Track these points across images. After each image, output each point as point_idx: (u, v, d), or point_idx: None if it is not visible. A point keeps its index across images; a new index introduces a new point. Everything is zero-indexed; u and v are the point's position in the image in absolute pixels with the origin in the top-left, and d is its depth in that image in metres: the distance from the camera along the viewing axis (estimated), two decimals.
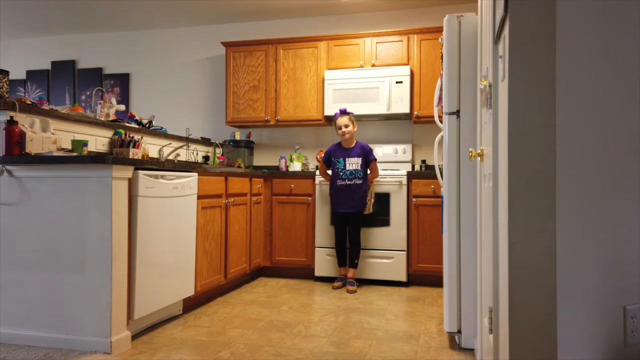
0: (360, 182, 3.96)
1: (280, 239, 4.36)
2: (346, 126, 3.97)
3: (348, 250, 4.06)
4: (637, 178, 1.32)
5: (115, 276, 2.43)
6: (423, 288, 4.02)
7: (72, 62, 5.79)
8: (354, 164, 3.98)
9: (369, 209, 4.02)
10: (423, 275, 4.10)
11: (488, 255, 1.80)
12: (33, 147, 2.66)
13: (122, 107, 3.85)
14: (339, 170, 4.00)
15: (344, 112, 4.03)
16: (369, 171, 4.03)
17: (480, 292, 2.21)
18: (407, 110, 4.35)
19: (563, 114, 1.27)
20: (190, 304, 3.29)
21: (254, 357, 2.41)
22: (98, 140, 3.31)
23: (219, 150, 4.84)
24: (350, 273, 4.01)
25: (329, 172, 4.11)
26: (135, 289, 2.58)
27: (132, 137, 3.44)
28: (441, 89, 2.71)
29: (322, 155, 4.26)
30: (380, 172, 4.11)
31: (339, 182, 3.99)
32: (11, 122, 2.57)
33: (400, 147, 4.67)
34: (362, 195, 3.95)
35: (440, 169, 2.94)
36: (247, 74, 4.83)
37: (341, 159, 4.02)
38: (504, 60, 1.39)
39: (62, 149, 2.91)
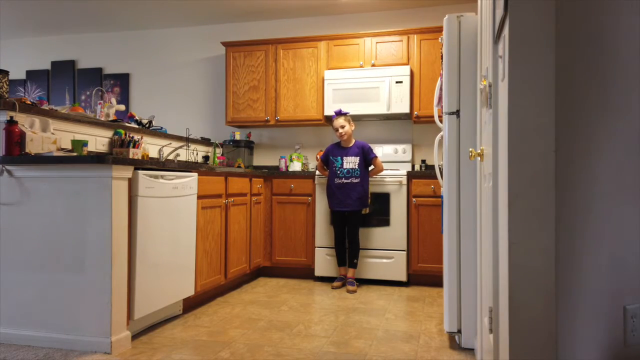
0: (357, 180, 3.95)
1: (280, 239, 4.36)
2: (342, 127, 3.98)
3: (347, 250, 4.06)
4: (637, 178, 1.32)
5: (115, 276, 2.44)
6: (423, 288, 4.02)
7: (72, 62, 5.78)
8: (351, 162, 3.98)
9: (367, 209, 4.03)
10: (423, 275, 4.10)
11: (488, 255, 1.80)
12: (33, 147, 2.66)
13: (122, 107, 3.85)
14: (337, 168, 4.00)
15: (339, 114, 4.04)
16: (371, 167, 4.03)
17: (480, 292, 2.21)
18: (407, 110, 4.35)
19: (563, 114, 1.27)
20: (190, 304, 3.29)
21: (254, 357, 2.41)
22: (98, 140, 3.31)
23: (219, 150, 4.84)
24: (350, 273, 4.01)
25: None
26: (135, 289, 2.58)
27: (132, 137, 3.44)
28: (441, 89, 2.71)
29: (322, 154, 4.26)
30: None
31: (336, 181, 3.99)
32: (11, 122, 2.57)
33: (400, 147, 4.67)
34: (359, 194, 3.95)
35: (440, 168, 2.94)
36: (247, 74, 4.83)
37: (339, 158, 4.02)
38: (504, 60, 1.39)
39: (62, 149, 2.91)
